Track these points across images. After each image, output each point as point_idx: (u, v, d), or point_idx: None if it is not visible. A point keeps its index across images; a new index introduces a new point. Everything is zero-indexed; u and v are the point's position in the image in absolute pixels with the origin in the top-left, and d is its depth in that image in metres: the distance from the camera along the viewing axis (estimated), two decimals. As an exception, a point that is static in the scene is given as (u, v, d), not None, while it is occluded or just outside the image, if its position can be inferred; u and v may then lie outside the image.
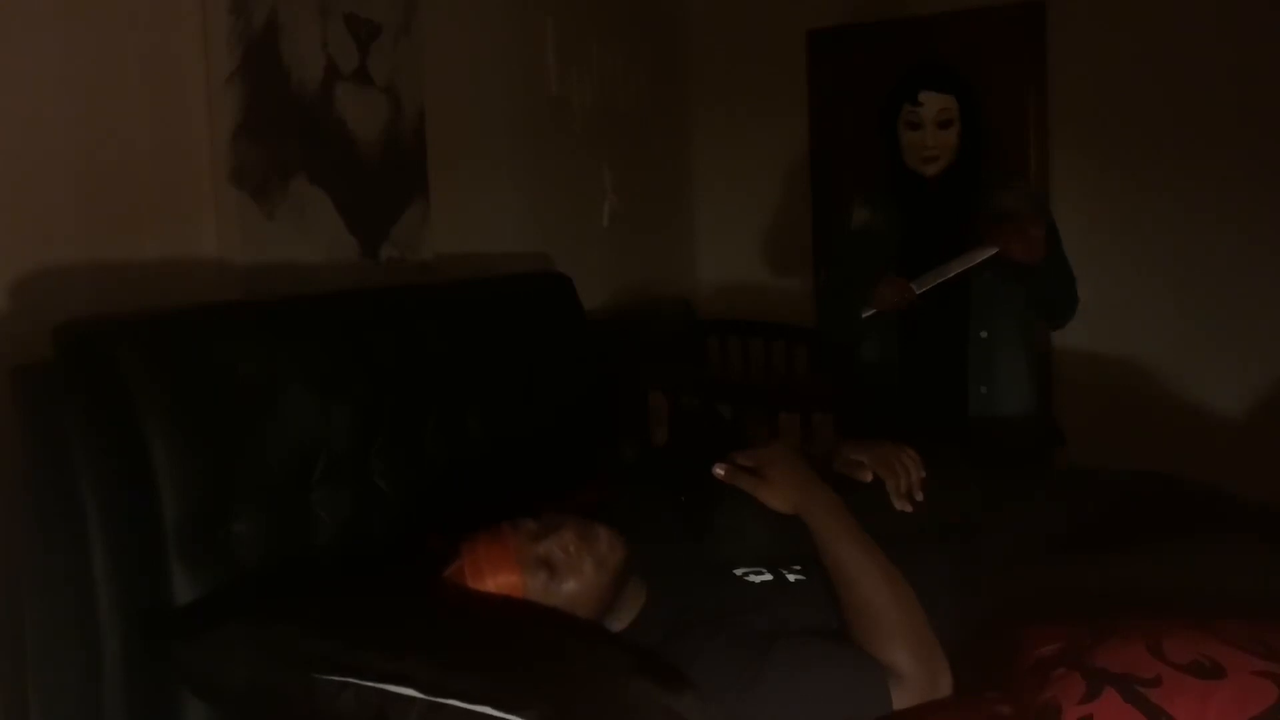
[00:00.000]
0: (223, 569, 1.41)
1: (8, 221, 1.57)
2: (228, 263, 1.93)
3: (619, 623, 1.38)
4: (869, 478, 1.54)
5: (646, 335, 3.31)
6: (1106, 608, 1.27)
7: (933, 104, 2.28)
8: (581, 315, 2.47)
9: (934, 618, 1.35)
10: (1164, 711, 1.06)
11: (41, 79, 1.62)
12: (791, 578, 1.44)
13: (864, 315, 2.29)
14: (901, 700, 1.26)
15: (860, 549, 1.37)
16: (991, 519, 1.63)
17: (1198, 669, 1.09)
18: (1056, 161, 3.44)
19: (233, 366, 1.49)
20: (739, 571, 1.45)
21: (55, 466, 1.34)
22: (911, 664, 1.28)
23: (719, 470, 1.47)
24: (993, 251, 2.18)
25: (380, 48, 2.28)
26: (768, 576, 1.44)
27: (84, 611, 1.34)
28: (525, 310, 2.26)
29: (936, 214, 2.33)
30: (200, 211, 1.90)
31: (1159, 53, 3.27)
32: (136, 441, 1.36)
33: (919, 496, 1.54)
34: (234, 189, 1.93)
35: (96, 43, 1.70)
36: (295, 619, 1.24)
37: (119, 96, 1.73)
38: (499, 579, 1.29)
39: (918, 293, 2.23)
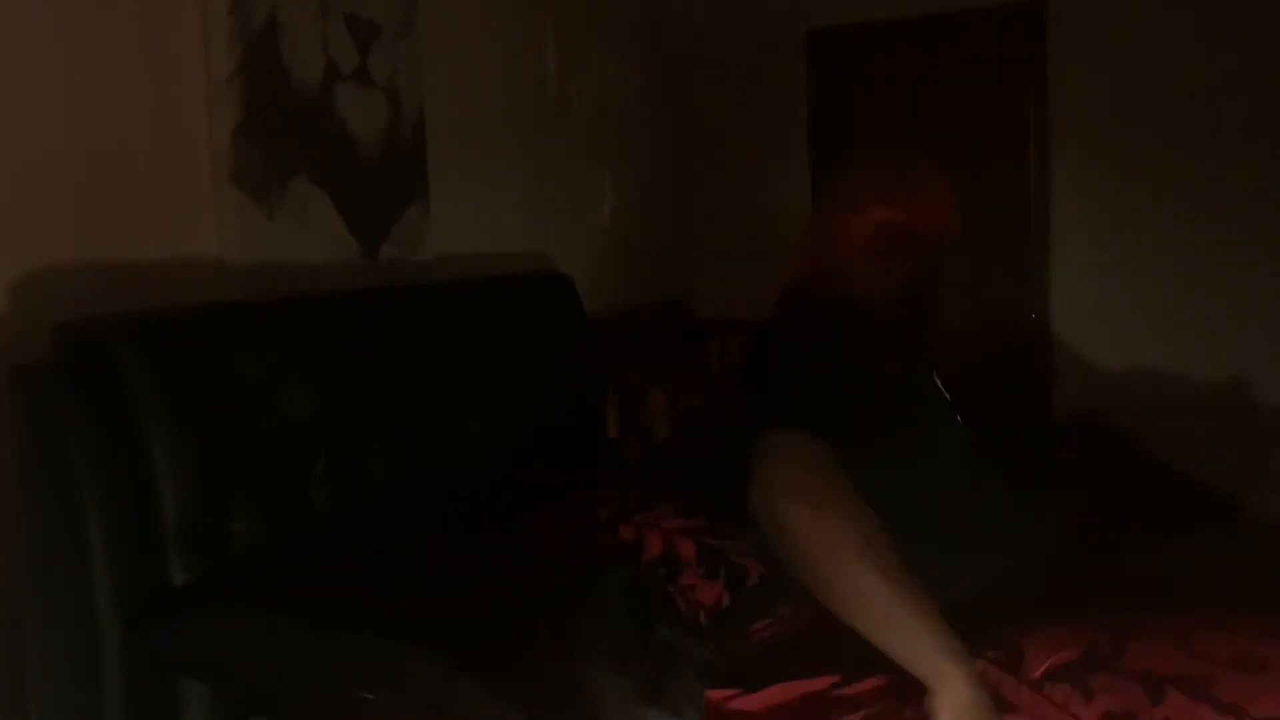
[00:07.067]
0: (222, 568, 1.41)
1: (8, 221, 1.57)
2: (228, 263, 1.93)
3: None
4: None
5: (646, 335, 3.30)
6: (1102, 611, 1.26)
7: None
8: (581, 315, 2.47)
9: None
10: (1234, 705, 1.05)
11: (41, 79, 1.62)
12: None
13: None
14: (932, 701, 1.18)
15: None
16: None
17: (1244, 663, 1.09)
18: (1056, 166, 3.42)
19: (233, 366, 1.49)
20: None
21: (55, 466, 1.34)
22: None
23: None
24: None
25: (380, 48, 2.27)
26: None
27: (84, 611, 1.34)
28: (525, 310, 2.26)
29: None
30: (200, 211, 1.90)
31: (1159, 56, 3.25)
32: (136, 441, 1.36)
33: None
34: (234, 189, 1.93)
35: (96, 43, 1.70)
36: (290, 595, 1.30)
37: (119, 96, 1.73)
38: None
39: None
